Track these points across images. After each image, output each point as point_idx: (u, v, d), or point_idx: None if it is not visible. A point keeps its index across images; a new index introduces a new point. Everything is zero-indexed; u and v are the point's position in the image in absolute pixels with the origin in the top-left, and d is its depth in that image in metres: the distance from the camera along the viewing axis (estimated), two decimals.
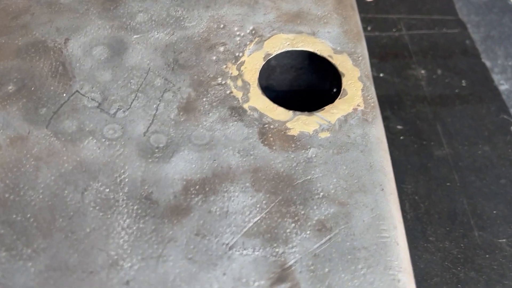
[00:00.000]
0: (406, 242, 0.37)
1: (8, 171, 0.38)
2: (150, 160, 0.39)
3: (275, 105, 0.42)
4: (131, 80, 0.43)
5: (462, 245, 0.57)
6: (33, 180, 0.37)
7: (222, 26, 0.47)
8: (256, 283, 0.33)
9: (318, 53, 0.46)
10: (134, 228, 0.36)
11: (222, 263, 0.34)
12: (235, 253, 0.35)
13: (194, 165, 0.39)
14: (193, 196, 0.37)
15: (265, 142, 0.40)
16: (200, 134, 0.40)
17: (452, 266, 0.54)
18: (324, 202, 0.37)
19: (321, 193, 0.38)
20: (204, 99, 0.42)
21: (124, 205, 0.36)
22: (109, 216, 0.36)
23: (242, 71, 0.44)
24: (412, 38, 0.75)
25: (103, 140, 0.40)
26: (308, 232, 0.36)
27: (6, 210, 0.36)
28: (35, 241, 0.35)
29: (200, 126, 0.41)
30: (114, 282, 0.33)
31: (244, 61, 0.45)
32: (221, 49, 0.45)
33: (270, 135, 0.41)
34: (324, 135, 0.41)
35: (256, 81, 0.44)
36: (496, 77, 0.71)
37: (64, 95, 0.42)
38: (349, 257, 0.35)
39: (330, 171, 0.39)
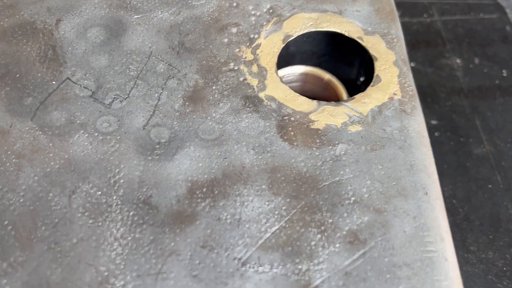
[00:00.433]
0: (455, 257, 0.35)
1: None
2: (149, 158, 0.38)
3: (296, 94, 0.41)
4: (130, 66, 0.42)
5: (508, 255, 0.55)
6: (14, 181, 0.36)
7: (235, 4, 0.46)
8: None
9: (346, 34, 0.44)
10: (129, 238, 0.35)
11: (233, 283, 0.33)
12: (249, 270, 0.34)
13: (201, 164, 0.38)
14: (199, 200, 0.36)
15: (285, 137, 0.39)
16: (209, 128, 0.40)
17: (497, 280, 0.53)
18: (356, 209, 0.36)
19: (352, 198, 0.37)
20: (214, 87, 0.41)
21: (118, 211, 0.36)
22: (100, 223, 0.35)
23: (257, 55, 0.43)
24: (446, 24, 0.76)
25: (96, 134, 0.39)
26: (338, 245, 0.35)
27: None
28: (12, 254, 0.34)
29: (209, 118, 0.40)
30: None
31: (260, 43, 0.44)
32: (234, 30, 0.44)
33: (290, 128, 0.40)
34: (354, 128, 0.40)
35: (274, 67, 0.42)
36: None
37: (53, 82, 0.41)
38: (387, 276, 0.33)
39: (362, 171, 0.38)
